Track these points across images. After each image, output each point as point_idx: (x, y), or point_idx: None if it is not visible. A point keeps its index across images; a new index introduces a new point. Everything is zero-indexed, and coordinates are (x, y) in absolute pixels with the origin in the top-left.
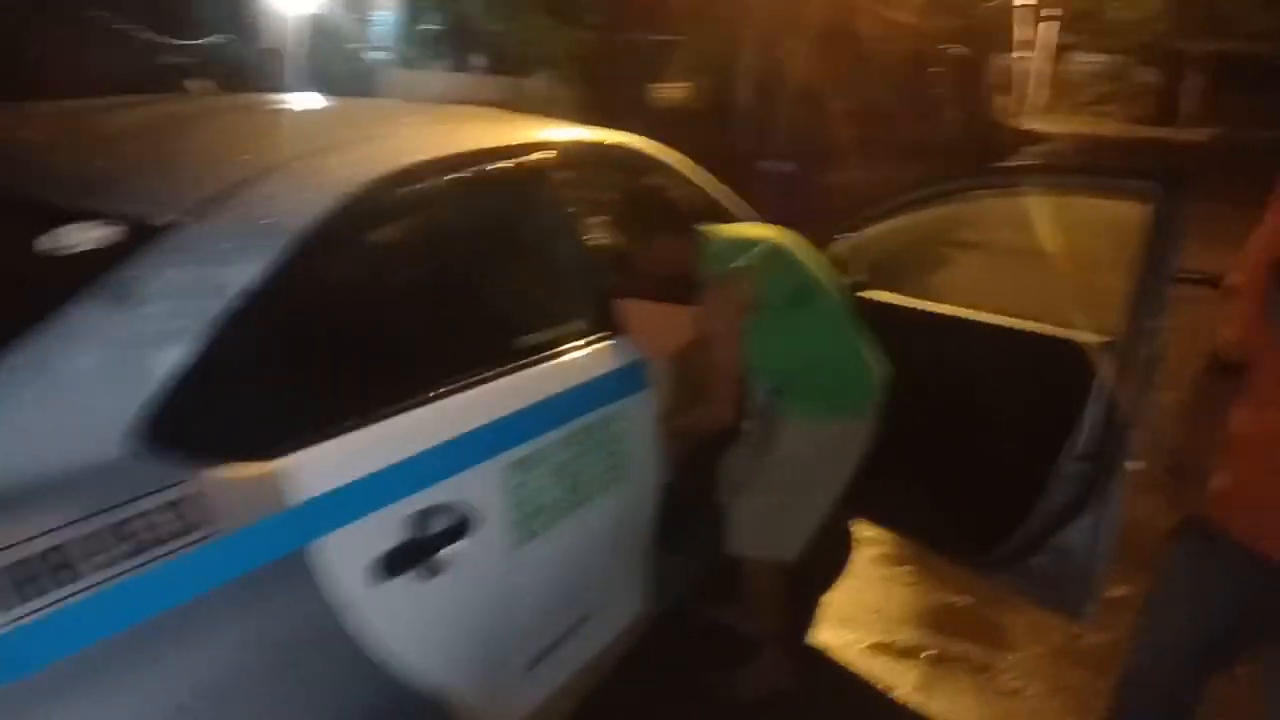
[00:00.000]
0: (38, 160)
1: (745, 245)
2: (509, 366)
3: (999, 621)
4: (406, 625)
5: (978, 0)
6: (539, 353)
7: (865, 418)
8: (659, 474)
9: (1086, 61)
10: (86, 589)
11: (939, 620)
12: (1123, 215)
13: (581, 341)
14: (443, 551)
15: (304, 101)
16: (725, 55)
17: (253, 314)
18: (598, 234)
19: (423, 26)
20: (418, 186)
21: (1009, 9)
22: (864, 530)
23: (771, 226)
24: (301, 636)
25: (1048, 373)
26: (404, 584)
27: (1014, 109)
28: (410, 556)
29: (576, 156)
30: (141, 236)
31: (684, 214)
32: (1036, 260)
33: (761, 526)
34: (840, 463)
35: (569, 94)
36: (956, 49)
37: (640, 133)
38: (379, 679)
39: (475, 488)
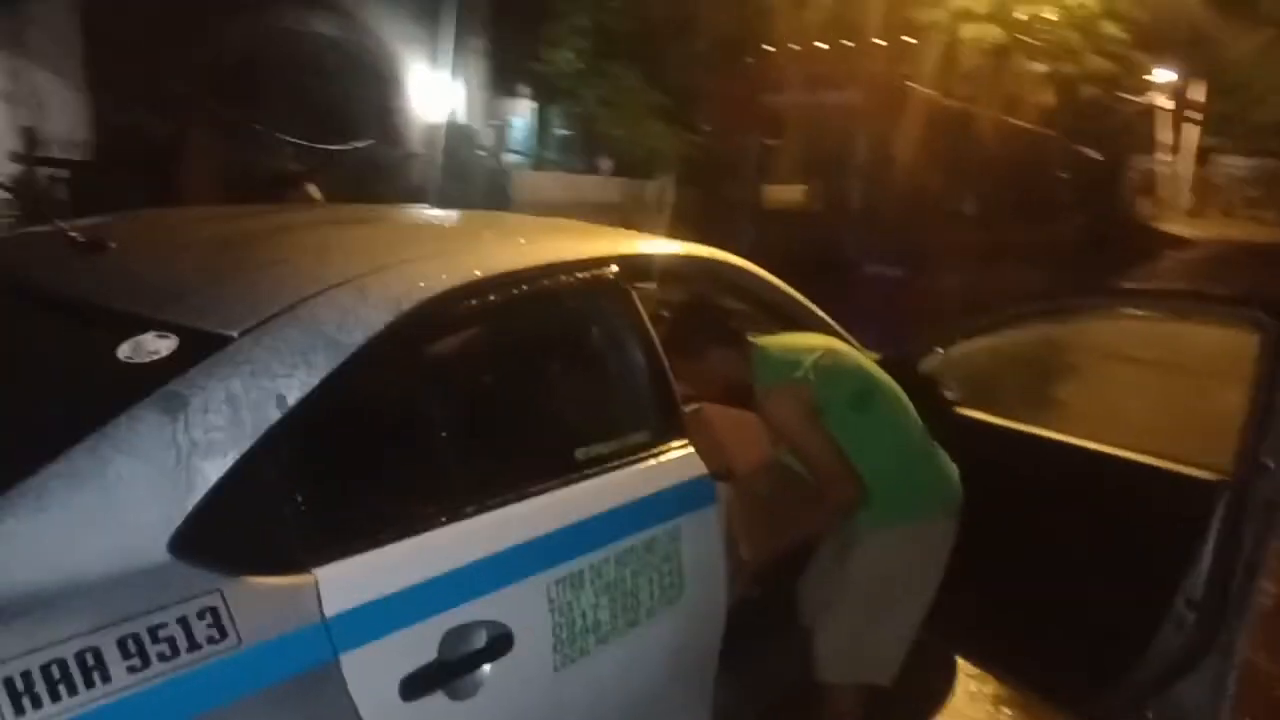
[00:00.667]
0: (133, 269)
1: (802, 353)
2: (558, 482)
3: None
4: None
5: (1115, 104)
6: (592, 467)
7: (940, 520)
8: (726, 593)
9: (1231, 165)
10: (119, 691)
11: None
12: (1238, 344)
13: (642, 456)
14: (479, 671)
15: (393, 213)
16: (837, 158)
17: (295, 428)
18: (664, 346)
19: (555, 131)
20: (473, 302)
21: (1150, 112)
22: (968, 665)
23: (825, 335)
24: None
25: (1158, 508)
26: (436, 702)
27: (1156, 213)
28: (443, 674)
29: (644, 269)
30: (202, 348)
31: (748, 325)
32: (1146, 387)
33: (852, 647)
34: (923, 567)
35: (684, 196)
36: (1090, 152)
37: (748, 234)
38: None
39: (515, 606)
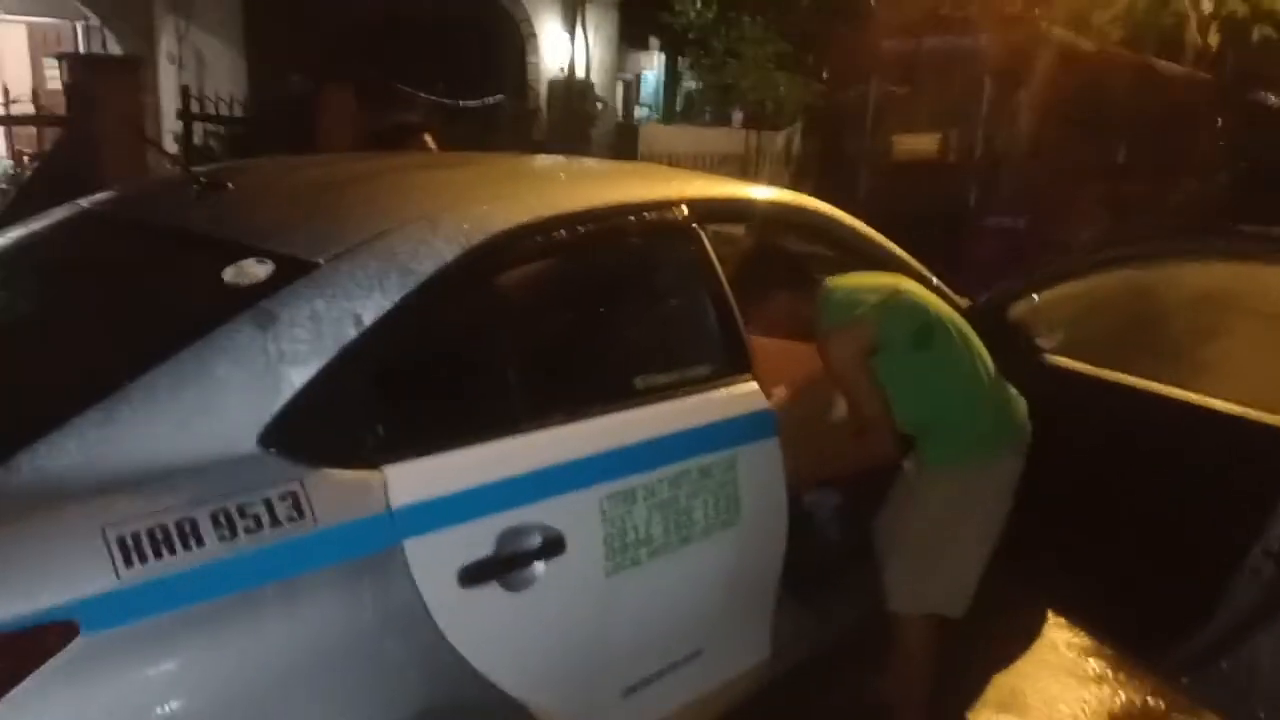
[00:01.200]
0: (244, 206)
1: (866, 292)
2: (615, 406)
3: None
4: (492, 630)
5: None
6: (650, 395)
7: (1007, 457)
8: (785, 522)
9: None
10: (210, 555)
11: None
12: None
13: (703, 387)
14: (531, 568)
15: (482, 159)
16: (965, 107)
17: (370, 344)
18: (737, 286)
19: (685, 85)
20: (537, 238)
21: None
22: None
23: (896, 275)
24: (390, 623)
25: (1243, 459)
26: (491, 591)
27: None
28: (497, 567)
29: (714, 211)
30: (293, 273)
31: (828, 268)
32: (1240, 335)
33: (916, 579)
34: (987, 504)
35: (809, 146)
36: (1270, 97)
37: (864, 184)
38: (457, 673)
39: (568, 514)
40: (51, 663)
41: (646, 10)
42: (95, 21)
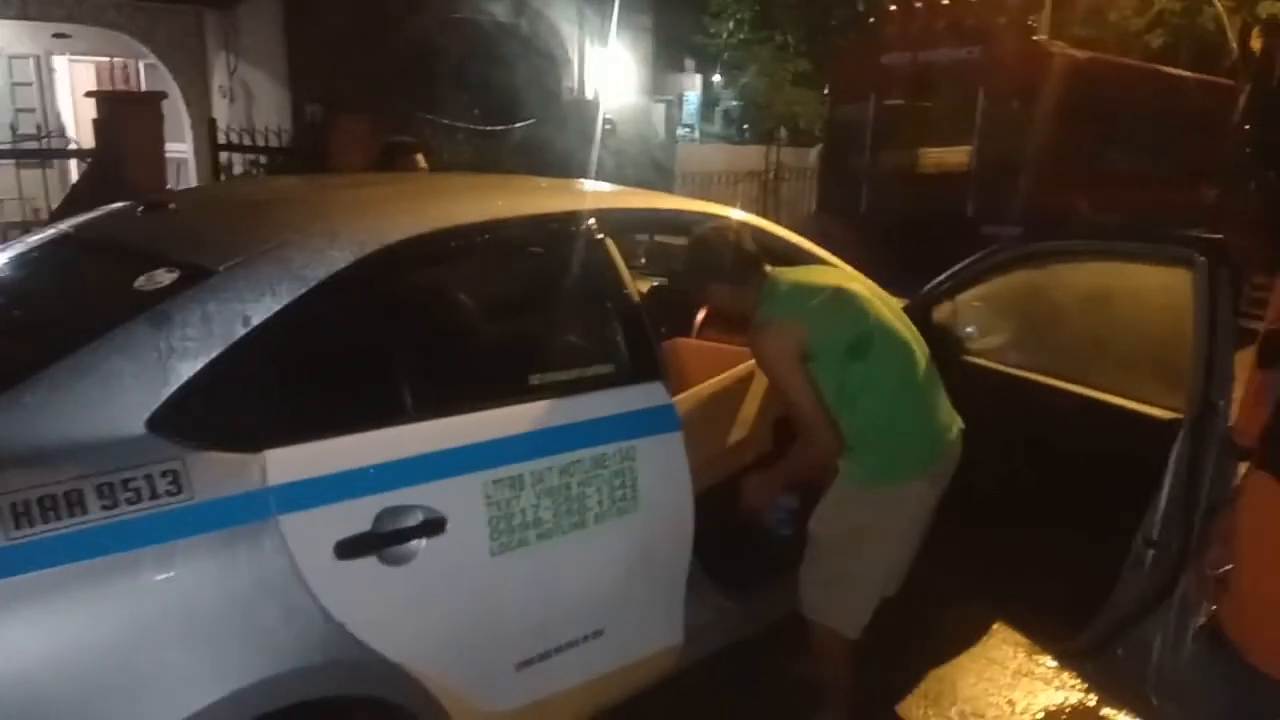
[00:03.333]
0: (175, 223)
1: (809, 293)
2: (502, 400)
3: None
4: (369, 599)
5: None
6: (541, 390)
7: (919, 484)
8: (690, 512)
9: None
10: (92, 520)
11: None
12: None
13: (601, 384)
14: (410, 545)
15: (421, 179)
16: (961, 120)
17: (256, 342)
18: (643, 287)
19: (721, 105)
20: (433, 247)
21: None
22: None
23: (849, 271)
24: (264, 587)
25: (1124, 447)
26: (368, 564)
27: None
28: (375, 542)
29: (624, 223)
30: (195, 279)
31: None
32: (1109, 328)
33: (822, 594)
34: (894, 526)
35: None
36: None
37: (869, 196)
38: (333, 636)
39: (449, 496)
40: None
41: (680, 32)
42: (154, 60)
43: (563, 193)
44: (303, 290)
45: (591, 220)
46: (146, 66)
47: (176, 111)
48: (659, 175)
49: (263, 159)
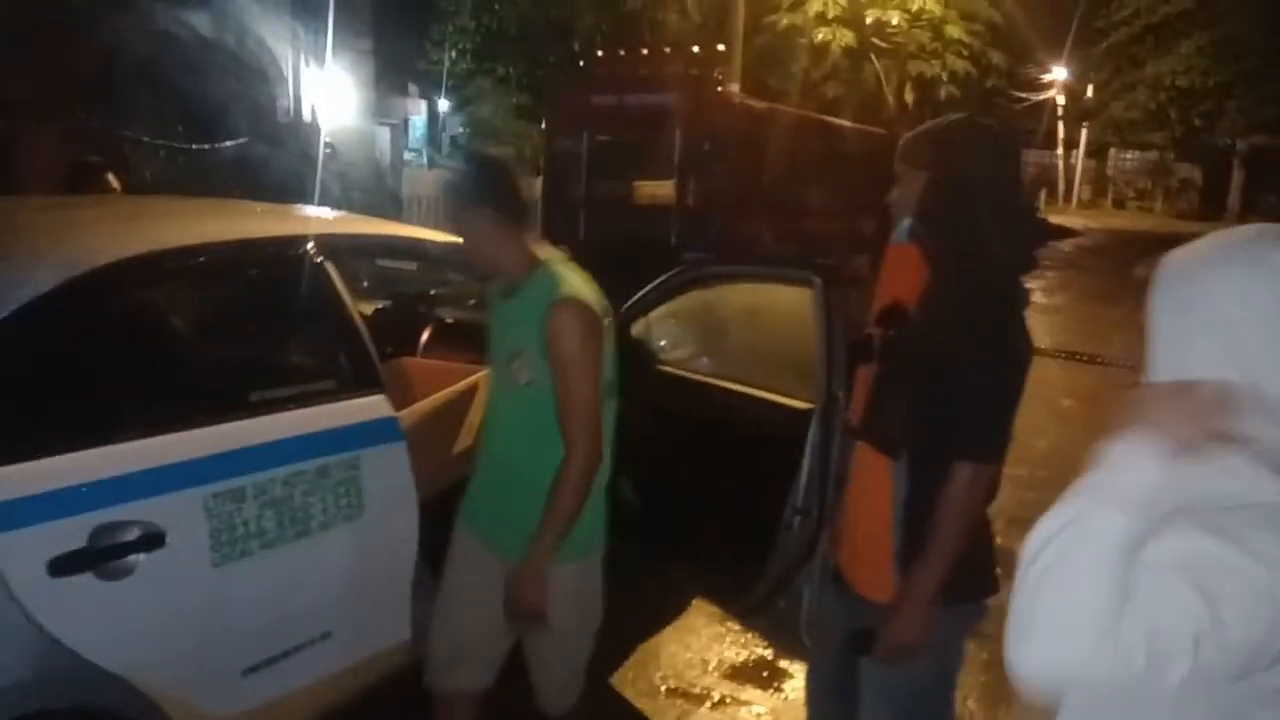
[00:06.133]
0: None
1: (600, 304)
2: (226, 416)
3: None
4: (87, 614)
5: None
6: (266, 406)
7: (596, 554)
8: (415, 517)
9: (1124, 158)
10: None
11: (739, 671)
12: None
13: (325, 398)
14: (128, 559)
15: (123, 201)
16: (661, 157)
17: None
18: (367, 310)
19: (449, 131)
20: (146, 269)
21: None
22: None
23: None
24: None
25: (778, 433)
26: (85, 580)
27: (1051, 205)
28: (91, 559)
29: (340, 247)
30: None
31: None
32: (763, 337)
33: (573, 680)
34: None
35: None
36: None
37: (586, 224)
38: (51, 652)
39: (167, 511)
40: None
41: (404, 57)
42: None
43: (280, 217)
44: (7, 311)
45: (310, 244)
46: None
47: None
48: (385, 200)
49: None
